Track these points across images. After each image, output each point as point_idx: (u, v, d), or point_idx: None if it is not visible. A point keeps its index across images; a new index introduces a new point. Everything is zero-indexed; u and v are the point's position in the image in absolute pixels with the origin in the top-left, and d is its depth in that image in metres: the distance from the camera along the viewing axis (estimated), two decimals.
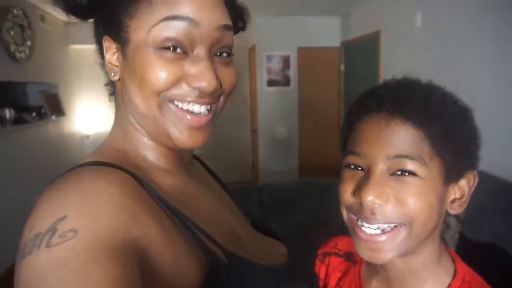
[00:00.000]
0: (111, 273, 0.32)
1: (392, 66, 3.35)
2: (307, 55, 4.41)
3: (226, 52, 0.48)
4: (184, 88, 0.45)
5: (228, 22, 0.47)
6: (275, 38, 4.32)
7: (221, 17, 0.46)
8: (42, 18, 3.65)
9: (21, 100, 3.48)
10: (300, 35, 4.36)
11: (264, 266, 0.51)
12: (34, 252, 0.33)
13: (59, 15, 4.08)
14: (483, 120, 0.62)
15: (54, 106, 3.81)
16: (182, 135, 0.47)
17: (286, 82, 4.46)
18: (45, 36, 3.72)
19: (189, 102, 0.46)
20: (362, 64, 3.98)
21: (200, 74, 0.44)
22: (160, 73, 0.43)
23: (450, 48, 2.61)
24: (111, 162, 0.45)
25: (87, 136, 4.67)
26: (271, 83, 4.44)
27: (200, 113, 0.47)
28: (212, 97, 0.47)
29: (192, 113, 0.46)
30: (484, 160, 0.54)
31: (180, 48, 0.44)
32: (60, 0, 0.45)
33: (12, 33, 3.09)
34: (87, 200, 0.37)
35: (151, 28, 0.43)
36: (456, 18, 2.53)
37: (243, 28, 0.62)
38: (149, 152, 0.51)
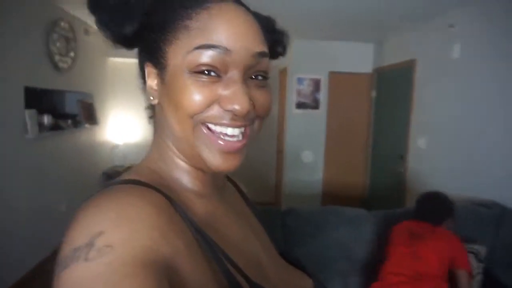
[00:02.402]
0: (145, 287, 0.34)
1: (426, 95, 3.28)
2: (338, 79, 4.40)
3: (262, 76, 0.49)
4: (216, 111, 0.45)
5: (263, 49, 0.47)
6: (307, 61, 4.34)
7: (255, 45, 0.46)
8: (86, 31, 3.83)
9: (59, 107, 3.64)
10: (332, 60, 4.36)
11: None
12: (73, 265, 0.34)
13: None
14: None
15: (89, 115, 3.95)
16: (215, 159, 0.47)
17: (315, 105, 4.45)
18: (87, 48, 3.90)
19: (222, 125, 0.46)
20: (394, 92, 3.92)
21: (232, 96, 0.44)
22: (194, 95, 0.44)
23: (487, 80, 2.53)
24: (147, 182, 0.46)
25: (117, 146, 4.79)
26: (300, 105, 4.43)
27: (233, 136, 0.47)
28: (246, 120, 0.47)
29: (225, 136, 0.47)
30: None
31: (214, 72, 0.45)
32: (107, 32, 0.47)
33: (58, 44, 3.26)
34: (123, 217, 0.38)
35: (186, 54, 0.44)
36: (495, 53, 2.47)
37: (283, 53, 0.62)
38: (183, 174, 0.52)
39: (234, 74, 0.45)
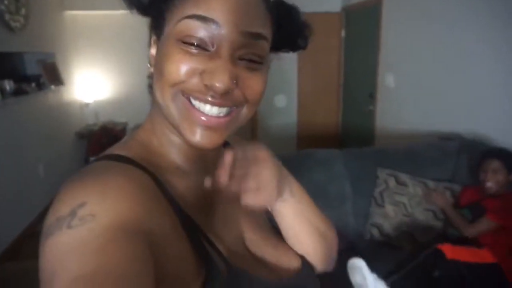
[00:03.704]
0: (128, 251, 0.35)
1: (392, 34, 3.31)
2: (307, 19, 4.31)
3: (255, 60, 0.46)
4: (196, 83, 0.44)
5: (259, 30, 0.45)
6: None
7: (250, 24, 0.44)
8: None
9: (19, 70, 3.46)
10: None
11: (268, 281, 0.51)
12: (57, 233, 0.36)
13: None
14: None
15: (53, 76, 3.78)
16: (193, 133, 0.45)
17: None
18: (39, 3, 3.62)
19: (201, 100, 0.45)
20: (362, 31, 3.91)
21: (214, 71, 0.42)
22: (176, 64, 0.43)
23: (452, 22, 2.58)
24: (134, 158, 0.47)
25: (87, 105, 4.67)
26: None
27: (211, 115, 0.45)
28: (226, 100, 0.45)
29: (203, 112, 0.45)
30: None
31: (201, 45, 0.43)
32: (125, 1, 0.48)
33: (5, 1, 3.01)
34: (107, 191, 0.40)
35: (177, 23, 0.44)
36: None
37: (304, 47, 0.58)
38: (172, 149, 0.52)
39: (222, 49, 0.43)
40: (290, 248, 0.60)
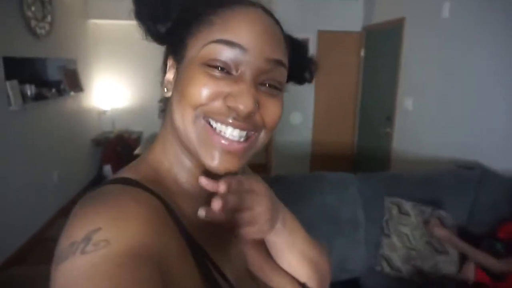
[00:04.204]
0: (139, 277, 0.36)
1: (413, 55, 3.26)
2: (327, 38, 4.31)
3: (275, 86, 0.48)
4: (219, 105, 0.44)
5: (281, 57, 0.47)
6: (295, 20, 4.22)
7: (273, 51, 0.46)
8: None
9: (41, 75, 3.54)
10: (320, 18, 4.24)
11: None
12: (70, 258, 0.36)
13: None
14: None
15: (73, 82, 3.86)
16: (212, 157, 0.45)
17: None
18: (64, 11, 3.72)
19: (222, 122, 0.45)
20: (382, 51, 3.87)
21: (238, 94, 0.43)
22: (200, 86, 0.44)
23: (475, 42, 2.52)
24: (144, 182, 0.47)
25: (104, 112, 4.74)
26: None
27: (233, 137, 0.45)
28: (248, 124, 0.46)
29: (223, 136, 0.45)
30: None
31: (225, 69, 0.44)
32: (144, 27, 0.49)
33: (33, 8, 3.10)
34: (119, 216, 0.40)
35: (203, 47, 0.44)
36: (485, 13, 2.43)
37: (310, 80, 0.62)
38: (183, 172, 0.51)
39: (245, 74, 0.45)
40: (290, 275, 0.61)
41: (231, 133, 0.45)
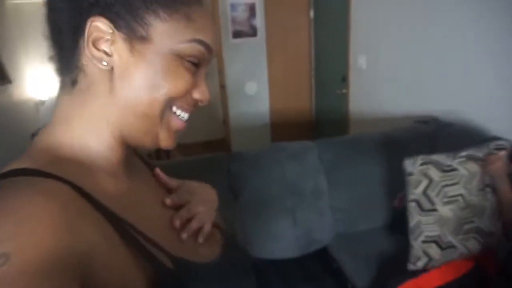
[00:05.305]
0: None
1: (364, 11, 3.16)
2: (274, 1, 4.10)
3: None
4: (188, 97, 0.51)
5: None
6: None
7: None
8: None
9: None
10: None
11: (206, 264, 0.55)
12: None
13: None
14: None
15: None
16: (169, 138, 0.51)
17: (253, 32, 4.18)
18: None
19: (183, 109, 0.51)
20: (332, 9, 3.74)
21: (205, 89, 0.52)
22: (183, 83, 0.48)
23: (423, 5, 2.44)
24: (46, 169, 0.41)
25: (42, 102, 4.32)
26: (237, 34, 4.15)
27: (185, 121, 0.52)
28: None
29: (181, 120, 0.52)
30: None
31: (197, 65, 0.50)
32: None
33: None
34: (22, 220, 0.34)
35: (183, 42, 0.47)
36: None
37: None
38: (99, 147, 0.49)
39: (204, 68, 0.52)
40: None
41: (184, 115, 0.52)
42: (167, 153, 3.73)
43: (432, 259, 1.55)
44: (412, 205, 1.60)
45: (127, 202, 0.49)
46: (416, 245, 1.57)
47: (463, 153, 1.60)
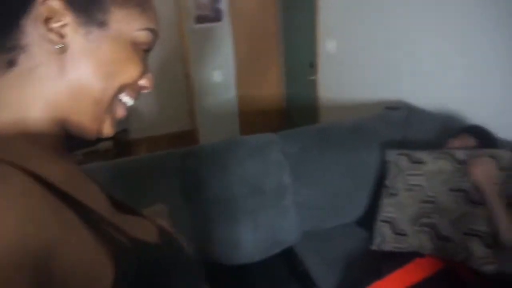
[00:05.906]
0: None
1: None
2: None
3: None
4: (134, 85, 0.51)
5: None
6: None
7: None
8: None
9: None
10: None
11: (158, 245, 0.53)
12: None
13: None
14: None
15: None
16: (111, 125, 0.50)
17: (217, 17, 3.94)
18: None
19: (132, 97, 0.52)
20: None
21: (151, 76, 0.53)
22: (136, 69, 0.48)
23: None
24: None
25: None
26: (200, 19, 3.89)
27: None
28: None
29: (126, 107, 0.52)
30: None
31: (146, 52, 0.51)
32: None
33: None
34: None
35: (138, 30, 0.47)
36: None
37: None
38: (49, 134, 0.46)
39: (148, 57, 0.53)
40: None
41: (130, 102, 0.52)
42: (127, 148, 3.49)
43: (385, 240, 1.65)
44: (384, 190, 1.76)
45: (78, 184, 0.46)
46: (376, 224, 1.71)
47: (446, 151, 1.64)
